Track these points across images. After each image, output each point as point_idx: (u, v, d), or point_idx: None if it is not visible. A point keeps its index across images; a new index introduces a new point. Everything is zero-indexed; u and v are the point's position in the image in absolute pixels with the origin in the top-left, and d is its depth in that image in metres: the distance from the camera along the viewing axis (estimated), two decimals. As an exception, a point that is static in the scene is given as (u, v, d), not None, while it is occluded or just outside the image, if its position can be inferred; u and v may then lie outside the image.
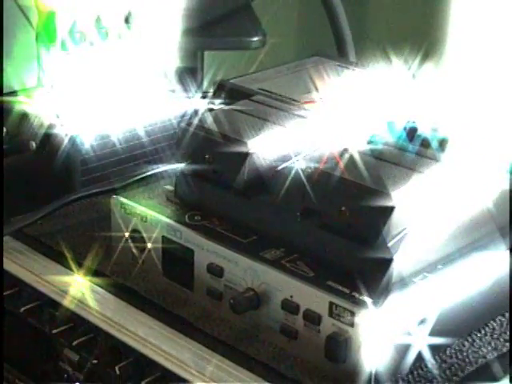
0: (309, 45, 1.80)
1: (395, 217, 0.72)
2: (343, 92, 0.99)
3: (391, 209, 0.72)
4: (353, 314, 0.71)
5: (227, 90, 1.05)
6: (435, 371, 0.75)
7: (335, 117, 0.89)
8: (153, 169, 0.97)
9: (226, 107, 0.87)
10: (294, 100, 0.98)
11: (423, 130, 0.86)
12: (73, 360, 0.87)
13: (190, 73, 1.13)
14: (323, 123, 0.87)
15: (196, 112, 1.03)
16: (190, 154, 0.84)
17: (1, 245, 0.94)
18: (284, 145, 0.83)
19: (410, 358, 0.74)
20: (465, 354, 0.78)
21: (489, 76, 1.42)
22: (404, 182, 0.74)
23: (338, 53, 1.39)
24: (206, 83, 1.20)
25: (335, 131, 0.86)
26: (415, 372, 0.75)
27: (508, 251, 0.82)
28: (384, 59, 1.15)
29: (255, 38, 1.32)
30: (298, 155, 0.81)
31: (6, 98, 1.01)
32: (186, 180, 0.84)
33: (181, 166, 0.94)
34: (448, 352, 0.78)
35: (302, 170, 0.79)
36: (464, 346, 0.78)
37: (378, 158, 0.79)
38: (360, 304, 0.71)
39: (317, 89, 1.02)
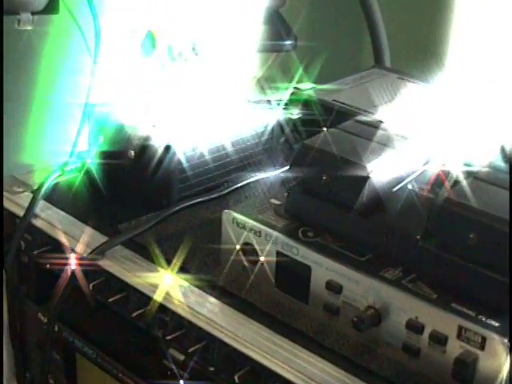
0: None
1: (524, 245, 0.64)
2: (421, 109, 0.90)
3: (522, 239, 0.63)
4: (484, 338, 0.63)
5: (302, 101, 0.96)
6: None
7: (432, 136, 0.80)
8: (249, 178, 0.88)
9: (336, 128, 0.77)
10: (369, 112, 0.89)
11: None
12: (178, 359, 0.77)
13: (266, 82, 1.03)
14: (423, 143, 0.78)
15: (279, 123, 0.94)
16: (304, 173, 0.74)
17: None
18: (395, 166, 0.74)
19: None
20: None
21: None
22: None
23: (375, 59, 1.30)
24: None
25: (436, 152, 0.77)
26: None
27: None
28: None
29: (288, 42, 1.23)
30: (410, 177, 0.72)
31: (101, 108, 0.91)
32: (298, 197, 0.75)
33: (274, 174, 0.86)
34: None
35: (417, 193, 0.70)
36: None
37: (490, 183, 0.71)
38: (490, 328, 0.64)
39: (389, 102, 0.93)
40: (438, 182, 0.73)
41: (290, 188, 0.77)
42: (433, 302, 0.67)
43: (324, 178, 0.73)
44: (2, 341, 0.92)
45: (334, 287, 0.72)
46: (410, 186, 0.73)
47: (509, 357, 0.64)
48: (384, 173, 0.73)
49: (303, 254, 0.73)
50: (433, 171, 0.75)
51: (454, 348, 0.66)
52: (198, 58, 0.92)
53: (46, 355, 0.90)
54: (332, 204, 0.74)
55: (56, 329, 0.90)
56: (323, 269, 0.72)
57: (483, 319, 0.65)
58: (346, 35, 1.53)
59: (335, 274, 0.71)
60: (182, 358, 0.79)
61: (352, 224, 0.73)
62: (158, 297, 0.77)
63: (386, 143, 0.76)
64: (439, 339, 0.66)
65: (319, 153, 0.74)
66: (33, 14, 1.05)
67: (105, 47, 0.99)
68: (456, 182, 0.72)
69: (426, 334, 0.67)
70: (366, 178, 0.72)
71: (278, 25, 1.24)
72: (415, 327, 0.67)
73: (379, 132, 0.78)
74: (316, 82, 1.07)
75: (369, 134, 0.77)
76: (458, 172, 0.73)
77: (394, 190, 0.73)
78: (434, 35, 1.34)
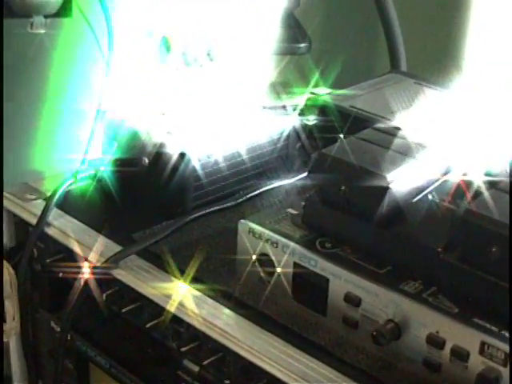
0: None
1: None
2: (440, 115, 0.88)
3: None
4: (507, 354, 0.61)
5: (318, 106, 0.95)
6: None
7: (451, 144, 0.78)
8: (264, 185, 0.86)
9: (354, 137, 0.75)
10: (387, 119, 0.87)
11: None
12: (193, 370, 0.76)
13: (281, 87, 1.01)
14: (442, 152, 0.76)
15: (295, 129, 0.93)
16: (321, 183, 0.73)
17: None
18: (414, 176, 0.72)
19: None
20: None
21: None
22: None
23: (391, 63, 1.28)
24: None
25: (456, 160, 0.75)
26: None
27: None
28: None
29: (302, 45, 1.21)
30: (430, 187, 0.71)
31: (114, 114, 0.89)
32: (315, 207, 0.74)
33: (290, 182, 0.85)
34: None
35: (437, 204, 0.69)
36: None
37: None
38: (514, 344, 0.61)
39: (406, 108, 0.91)
40: (459, 192, 0.71)
41: (307, 198, 0.75)
42: (454, 317, 0.65)
43: (342, 188, 0.72)
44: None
45: (352, 300, 0.70)
46: (430, 197, 0.71)
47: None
48: (404, 183, 0.72)
49: (321, 265, 0.72)
50: (453, 181, 0.73)
51: (476, 364, 0.64)
52: (213, 64, 0.91)
53: (59, 364, 0.88)
54: (351, 215, 0.72)
55: (69, 338, 0.88)
56: (341, 281, 0.71)
57: (506, 335, 0.64)
58: (360, 38, 1.51)
59: (354, 287, 0.70)
60: (196, 369, 0.78)
61: (371, 235, 0.72)
62: (172, 308, 0.76)
63: (405, 152, 0.75)
64: (461, 355, 0.65)
65: (337, 162, 0.72)
66: (46, 17, 1.04)
67: (118, 52, 0.98)
68: (477, 193, 0.70)
69: (447, 349, 0.65)
70: (385, 189, 0.70)
71: (292, 27, 1.22)
72: (436, 342, 0.66)
73: (398, 140, 0.76)
74: (330, 86, 1.06)
75: (387, 143, 0.76)
76: (479, 182, 0.71)
77: (414, 200, 0.71)
78: (452, 38, 1.32)
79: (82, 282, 0.80)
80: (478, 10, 1.34)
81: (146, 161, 0.87)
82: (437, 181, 0.73)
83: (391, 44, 1.27)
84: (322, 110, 0.96)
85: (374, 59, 1.51)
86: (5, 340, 0.93)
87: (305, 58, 1.14)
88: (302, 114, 0.96)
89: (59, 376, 0.89)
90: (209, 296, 0.77)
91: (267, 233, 0.75)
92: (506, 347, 0.63)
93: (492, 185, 0.71)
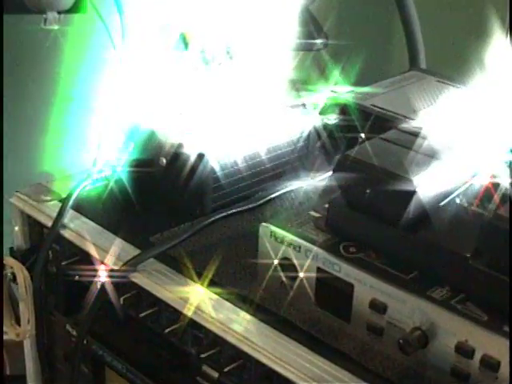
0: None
1: None
2: (464, 115, 0.87)
3: None
4: (539, 364, 0.59)
5: (340, 105, 0.93)
6: None
7: (477, 145, 0.76)
8: (284, 187, 0.85)
9: (379, 138, 0.74)
10: (409, 118, 0.86)
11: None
12: (212, 377, 0.75)
13: (301, 85, 0.99)
14: (468, 153, 0.74)
15: (315, 129, 0.91)
16: (346, 186, 0.71)
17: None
18: (441, 179, 0.70)
19: None
20: None
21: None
22: None
23: (410, 61, 1.26)
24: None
25: (482, 162, 0.73)
26: None
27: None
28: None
29: (318, 41, 1.19)
30: (457, 190, 0.69)
31: (131, 114, 0.88)
32: (340, 211, 0.72)
33: (310, 183, 0.84)
34: None
35: (465, 208, 0.67)
36: None
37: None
38: (546, 354, 0.60)
39: (429, 107, 0.90)
40: (487, 195, 0.70)
41: (331, 201, 0.74)
42: (484, 325, 0.64)
43: (368, 191, 0.70)
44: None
45: (377, 306, 0.69)
46: (457, 201, 0.70)
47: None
48: (430, 186, 0.70)
49: (345, 270, 0.70)
50: (481, 184, 0.71)
51: (507, 374, 0.62)
52: (232, 62, 0.89)
53: (75, 368, 0.87)
54: (376, 219, 0.71)
55: (85, 342, 0.87)
56: (367, 287, 0.69)
57: (538, 344, 0.62)
58: (377, 34, 1.49)
59: (379, 293, 0.68)
60: (216, 375, 0.76)
61: (397, 240, 0.70)
62: (190, 312, 0.75)
63: (431, 154, 0.73)
64: (491, 364, 0.63)
65: (362, 164, 0.71)
66: (59, 12, 1.03)
67: (133, 49, 0.96)
68: (506, 196, 0.69)
69: (476, 359, 0.64)
70: (412, 193, 0.68)
71: (308, 23, 1.20)
72: (465, 351, 0.64)
73: (423, 142, 0.75)
74: (349, 83, 1.04)
75: (413, 144, 0.74)
76: (507, 185, 0.70)
77: (442, 204, 0.69)
78: (473, 33, 1.30)
79: (99, 286, 0.79)
80: (502, 5, 1.31)
81: (164, 161, 0.85)
82: (464, 184, 0.71)
83: (411, 41, 1.25)
84: (343, 108, 0.94)
85: (390, 56, 1.49)
86: (18, 340, 0.92)
87: (322, 54, 1.12)
88: (322, 113, 0.94)
89: (75, 380, 0.88)
90: (228, 300, 0.75)
91: (289, 236, 0.73)
92: (539, 357, 0.61)
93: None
